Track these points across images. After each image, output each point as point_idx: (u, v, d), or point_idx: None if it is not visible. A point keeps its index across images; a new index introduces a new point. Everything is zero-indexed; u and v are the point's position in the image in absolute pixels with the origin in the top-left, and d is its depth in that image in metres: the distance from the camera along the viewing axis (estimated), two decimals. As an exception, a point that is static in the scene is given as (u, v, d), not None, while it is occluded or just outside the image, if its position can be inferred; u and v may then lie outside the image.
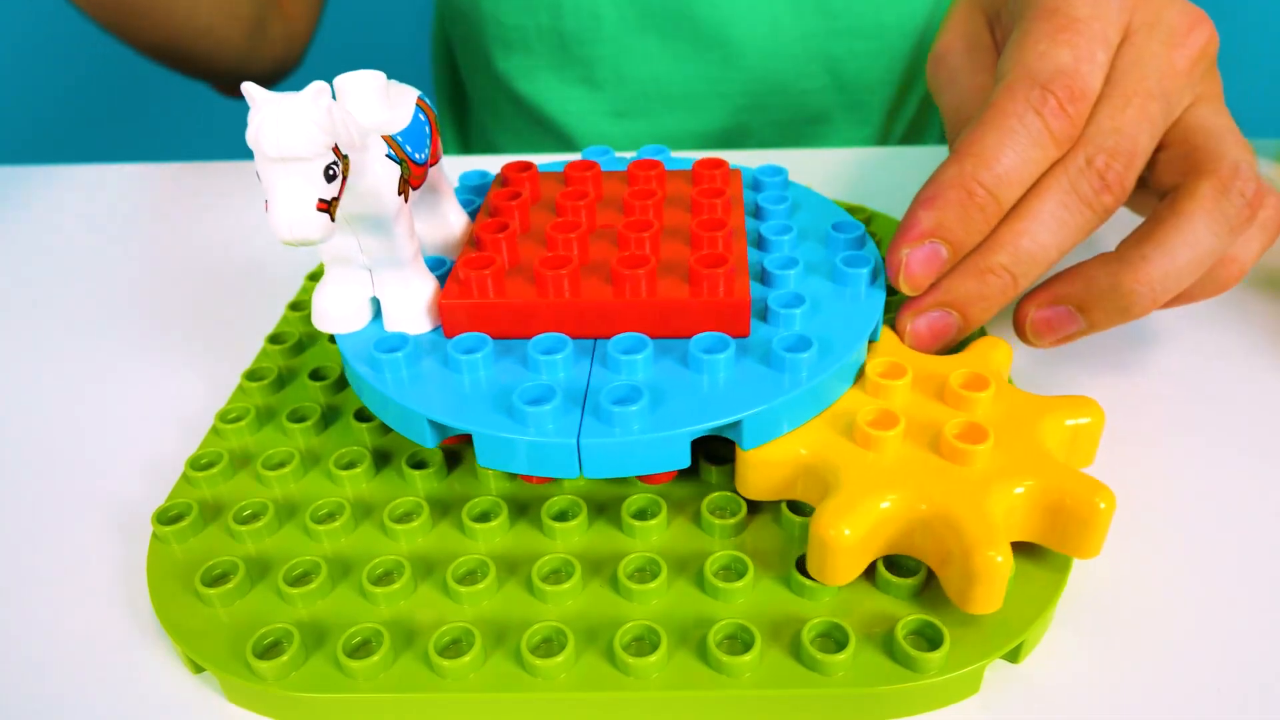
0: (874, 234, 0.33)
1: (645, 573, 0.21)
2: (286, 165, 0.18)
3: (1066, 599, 0.21)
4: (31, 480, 0.26)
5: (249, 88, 0.18)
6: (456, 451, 0.24)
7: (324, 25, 0.58)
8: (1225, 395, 0.27)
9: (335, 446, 0.25)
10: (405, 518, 0.22)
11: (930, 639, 0.19)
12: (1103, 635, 0.20)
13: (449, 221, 0.26)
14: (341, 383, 0.27)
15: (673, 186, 0.28)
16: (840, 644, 0.19)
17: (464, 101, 0.58)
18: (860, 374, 0.23)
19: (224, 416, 0.26)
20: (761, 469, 0.21)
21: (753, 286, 0.24)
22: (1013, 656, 0.20)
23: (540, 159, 0.36)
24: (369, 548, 0.22)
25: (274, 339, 0.29)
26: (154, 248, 0.38)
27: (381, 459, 0.24)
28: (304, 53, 0.55)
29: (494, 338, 0.23)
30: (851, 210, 0.35)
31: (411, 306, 0.23)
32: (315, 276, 0.32)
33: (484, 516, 0.22)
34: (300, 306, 0.30)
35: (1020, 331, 0.25)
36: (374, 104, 0.22)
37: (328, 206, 0.18)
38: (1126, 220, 0.28)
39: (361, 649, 0.19)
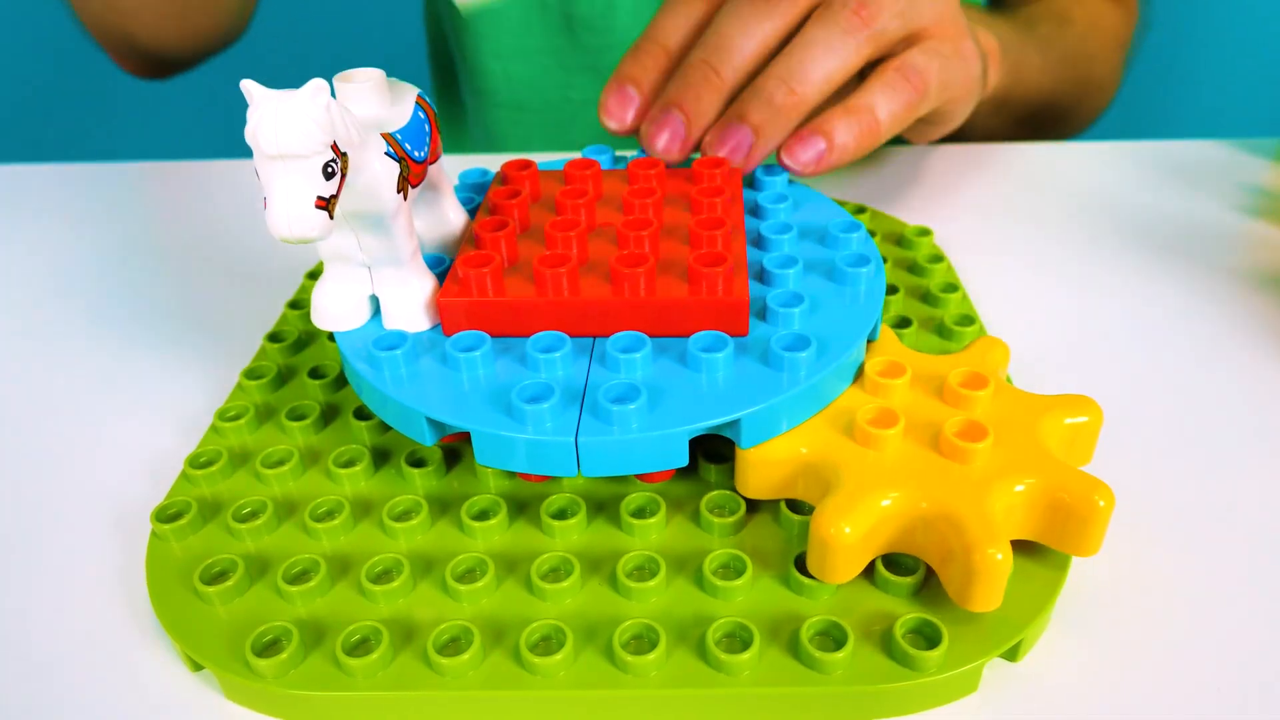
0: (873, 232, 0.33)
1: (644, 571, 0.21)
2: (285, 163, 0.18)
3: (1065, 598, 0.21)
4: (30, 478, 0.26)
5: (248, 85, 0.18)
6: (455, 449, 0.24)
7: (322, 24, 0.58)
8: (1225, 395, 0.27)
9: (334, 445, 0.25)
10: (404, 516, 0.22)
11: (929, 637, 0.19)
12: (1101, 634, 0.20)
13: (448, 219, 0.26)
14: (340, 381, 0.27)
15: (672, 185, 0.28)
16: (839, 642, 0.19)
17: (458, 99, 0.58)
18: (860, 373, 0.23)
19: (223, 415, 0.26)
20: (761, 468, 0.21)
21: (752, 285, 0.24)
22: (1011, 655, 0.20)
23: (540, 157, 0.36)
24: (368, 546, 0.22)
25: (273, 337, 0.29)
26: (153, 246, 0.38)
27: (380, 457, 0.24)
28: (245, 24, 0.53)
29: (493, 336, 0.23)
30: (850, 209, 0.35)
31: (410, 304, 0.23)
32: (314, 275, 0.32)
33: (483, 515, 0.22)
34: (299, 305, 0.30)
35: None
36: (373, 101, 0.22)
37: (326, 204, 0.18)
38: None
39: (360, 647, 0.19)
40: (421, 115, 0.23)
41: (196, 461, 0.24)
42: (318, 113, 0.18)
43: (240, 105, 0.19)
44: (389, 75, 0.23)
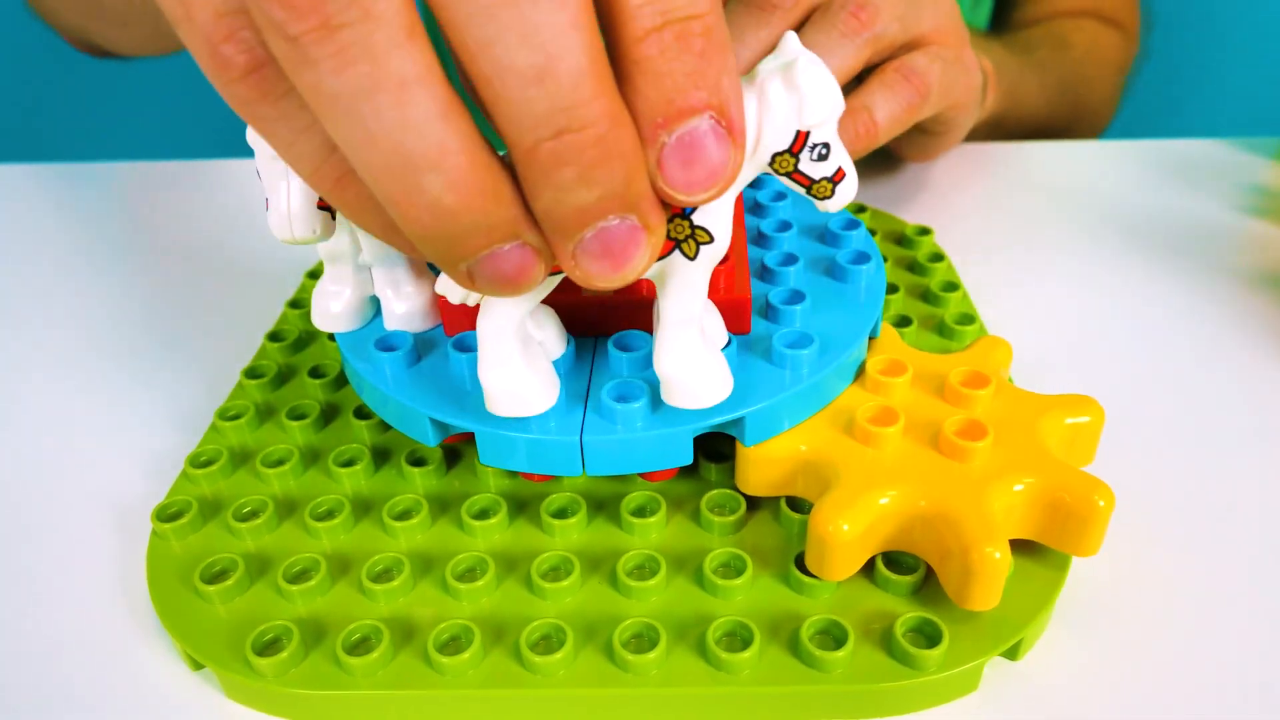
0: (873, 231, 0.33)
1: (644, 570, 0.21)
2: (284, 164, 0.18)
3: (1065, 597, 0.21)
4: (31, 477, 0.26)
5: None
6: (456, 449, 0.24)
7: None
8: (1225, 394, 0.27)
9: (334, 444, 0.25)
10: (404, 515, 0.22)
11: (929, 636, 0.19)
12: (1101, 633, 0.20)
13: None
14: (340, 380, 0.27)
15: None
16: (839, 641, 0.19)
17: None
18: (860, 371, 0.23)
19: (223, 414, 0.26)
20: (762, 465, 0.21)
21: (753, 283, 0.24)
22: (1012, 654, 0.20)
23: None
24: (368, 545, 0.22)
25: (273, 336, 0.29)
26: (153, 246, 0.38)
27: (381, 456, 0.24)
28: None
29: None
30: (850, 209, 0.35)
31: (411, 304, 0.23)
32: (315, 274, 0.32)
33: (483, 514, 0.22)
34: (300, 304, 0.30)
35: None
36: None
37: (328, 205, 0.18)
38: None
39: (361, 646, 0.19)
40: None
41: (197, 460, 0.24)
42: None
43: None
44: None
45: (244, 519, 0.22)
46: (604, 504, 0.23)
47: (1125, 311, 0.31)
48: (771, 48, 0.29)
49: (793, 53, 0.17)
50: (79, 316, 0.33)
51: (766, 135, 0.17)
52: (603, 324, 0.23)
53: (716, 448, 0.23)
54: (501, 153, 0.15)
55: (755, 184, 0.29)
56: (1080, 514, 0.19)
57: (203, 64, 0.15)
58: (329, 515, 0.22)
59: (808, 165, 0.17)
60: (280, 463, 0.24)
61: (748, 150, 0.17)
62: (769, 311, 0.23)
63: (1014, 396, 0.22)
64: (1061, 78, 0.50)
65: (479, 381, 0.22)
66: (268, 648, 0.19)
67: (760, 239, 0.26)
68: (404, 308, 0.23)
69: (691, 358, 0.19)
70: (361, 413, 0.25)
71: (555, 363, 0.22)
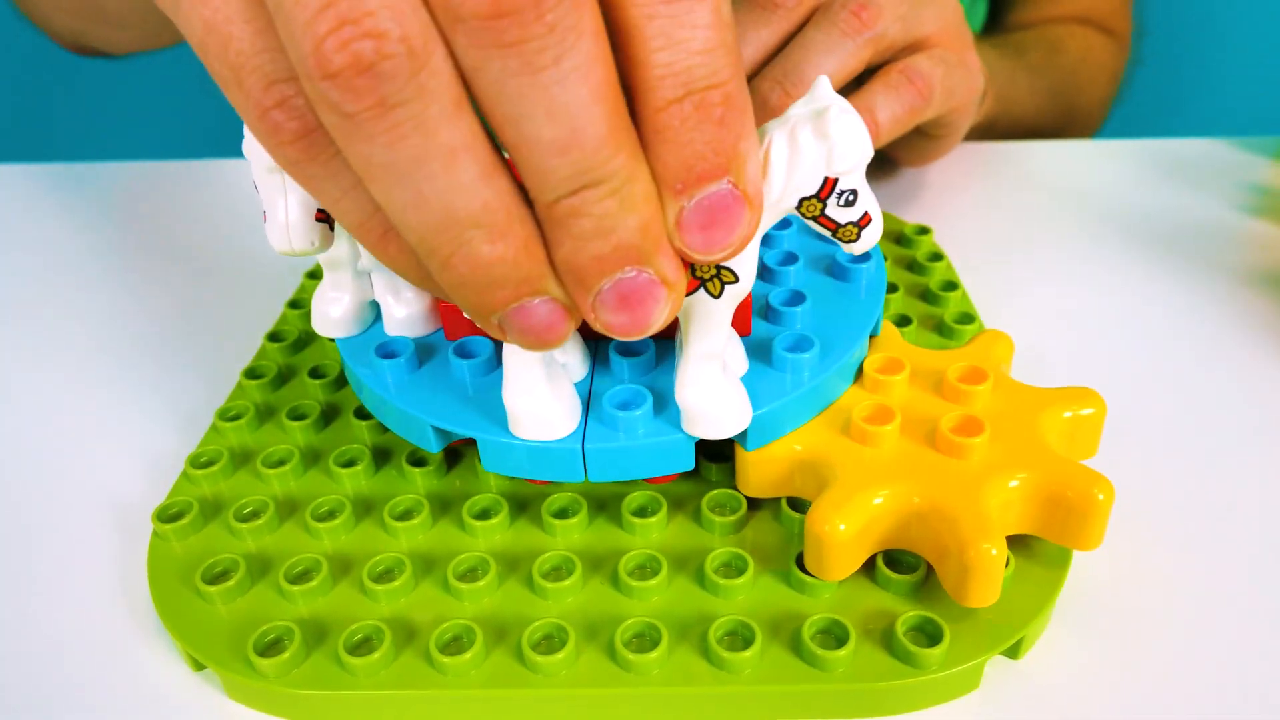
0: None
1: (646, 570, 0.21)
2: (284, 176, 0.18)
3: (1066, 595, 0.21)
4: (31, 477, 0.26)
5: None
6: (456, 449, 0.24)
7: None
8: (1225, 393, 0.27)
9: (335, 444, 0.25)
10: (405, 515, 0.22)
11: (930, 635, 0.19)
12: (1103, 631, 0.20)
13: None
14: (341, 380, 0.27)
15: None
16: (841, 640, 0.19)
17: None
18: (858, 370, 0.23)
19: (224, 414, 0.26)
20: (761, 465, 0.21)
21: (753, 284, 0.24)
22: (1013, 653, 0.20)
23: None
24: (369, 545, 0.22)
25: (273, 337, 0.29)
26: (153, 246, 0.38)
27: (381, 456, 0.24)
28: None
29: (495, 341, 0.23)
30: (916, 229, 0.34)
31: (411, 309, 0.23)
32: (314, 274, 0.32)
33: (484, 514, 0.22)
34: (299, 304, 0.30)
35: None
36: None
37: (326, 216, 0.18)
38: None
39: (362, 646, 0.19)
40: None
41: (197, 461, 0.24)
42: None
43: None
44: None
45: (245, 519, 0.22)
46: (605, 504, 0.23)
47: (1125, 311, 0.31)
48: (774, 48, 0.29)
49: (825, 99, 0.17)
50: (79, 317, 0.33)
51: (795, 180, 0.17)
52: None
53: (716, 448, 0.23)
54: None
55: None
56: (1080, 508, 0.19)
57: (251, 126, 0.15)
58: (330, 516, 0.22)
59: (835, 210, 0.18)
60: (281, 463, 0.24)
61: (776, 193, 0.17)
62: (769, 313, 0.23)
63: (1013, 391, 0.22)
64: (1053, 82, 0.50)
65: (480, 387, 0.22)
66: (269, 648, 0.19)
67: (760, 238, 0.26)
68: (404, 313, 0.23)
69: (713, 390, 0.19)
70: (362, 413, 0.25)
71: None
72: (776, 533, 0.22)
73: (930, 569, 0.20)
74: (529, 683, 0.19)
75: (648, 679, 0.19)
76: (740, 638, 0.19)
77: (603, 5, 0.14)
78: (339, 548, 0.22)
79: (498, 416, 0.21)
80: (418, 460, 0.24)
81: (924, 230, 0.33)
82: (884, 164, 0.41)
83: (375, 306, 0.24)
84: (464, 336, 0.23)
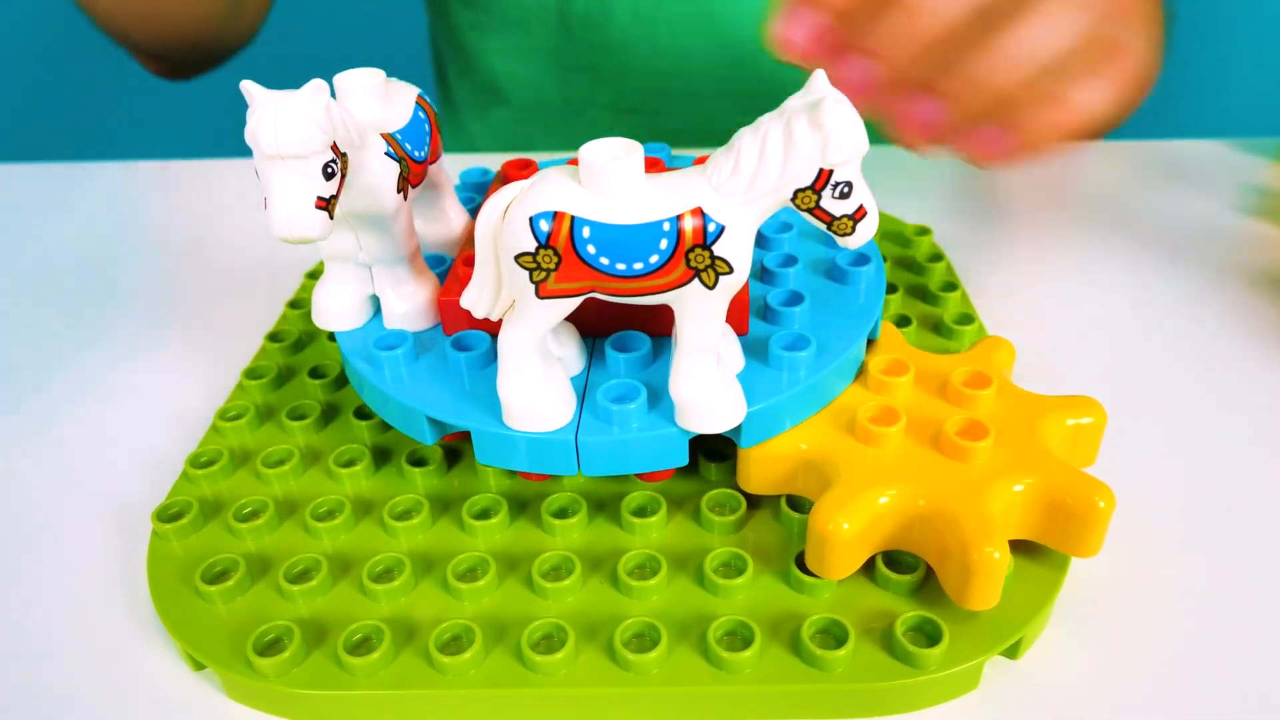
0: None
1: (645, 569, 0.21)
2: (285, 163, 0.18)
3: (1065, 596, 0.21)
4: (31, 478, 0.26)
5: (247, 85, 0.18)
6: (456, 449, 0.24)
7: (324, 24, 0.58)
8: (1225, 394, 0.27)
9: (335, 444, 0.25)
10: (405, 515, 0.22)
11: (929, 635, 0.19)
12: (1102, 631, 0.20)
13: (449, 219, 0.26)
14: (341, 380, 0.27)
15: None
16: (840, 640, 0.19)
17: (460, 99, 0.58)
18: (862, 371, 0.23)
19: (224, 414, 0.26)
20: (762, 463, 0.21)
21: (752, 284, 0.24)
22: (1012, 653, 0.20)
23: (541, 157, 0.36)
24: (369, 545, 0.22)
25: (273, 337, 0.29)
26: (152, 246, 0.38)
27: (381, 456, 0.24)
28: (249, 26, 0.53)
29: (493, 335, 0.23)
30: (917, 230, 0.34)
31: (411, 304, 0.23)
32: (314, 275, 0.32)
33: (484, 514, 0.22)
34: (299, 304, 0.30)
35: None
36: (372, 102, 0.22)
37: (326, 204, 0.18)
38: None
39: (362, 646, 0.19)
40: (421, 115, 0.23)
41: (197, 461, 0.24)
42: (317, 113, 0.18)
43: (240, 104, 0.19)
44: (391, 75, 0.23)
45: (245, 519, 0.22)
46: (605, 504, 0.23)
47: (1125, 311, 0.31)
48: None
49: (820, 91, 0.17)
50: (77, 317, 0.33)
51: (790, 171, 0.17)
52: (601, 325, 0.23)
53: (716, 447, 0.23)
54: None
55: None
56: (1080, 515, 0.19)
57: None
58: (330, 515, 0.22)
59: (830, 202, 0.18)
60: (281, 463, 0.24)
61: (771, 184, 0.17)
62: (767, 313, 0.23)
63: (1016, 397, 0.22)
64: None
65: (477, 380, 0.22)
66: (269, 648, 0.19)
67: (760, 240, 0.26)
68: (404, 307, 0.23)
69: (707, 383, 0.19)
70: (361, 413, 0.25)
71: None
72: (776, 532, 0.22)
73: (930, 569, 0.20)
74: (528, 682, 0.19)
75: (647, 679, 0.19)
76: (740, 637, 0.19)
77: None
78: (339, 547, 0.22)
79: (493, 409, 0.21)
80: (417, 460, 0.24)
81: (924, 231, 0.33)
82: (883, 159, 0.41)
83: (376, 301, 0.24)
84: (462, 330, 0.23)
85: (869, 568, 0.20)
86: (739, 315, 0.22)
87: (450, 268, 0.24)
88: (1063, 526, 0.20)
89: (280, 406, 0.26)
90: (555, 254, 0.18)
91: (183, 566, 0.22)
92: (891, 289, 0.30)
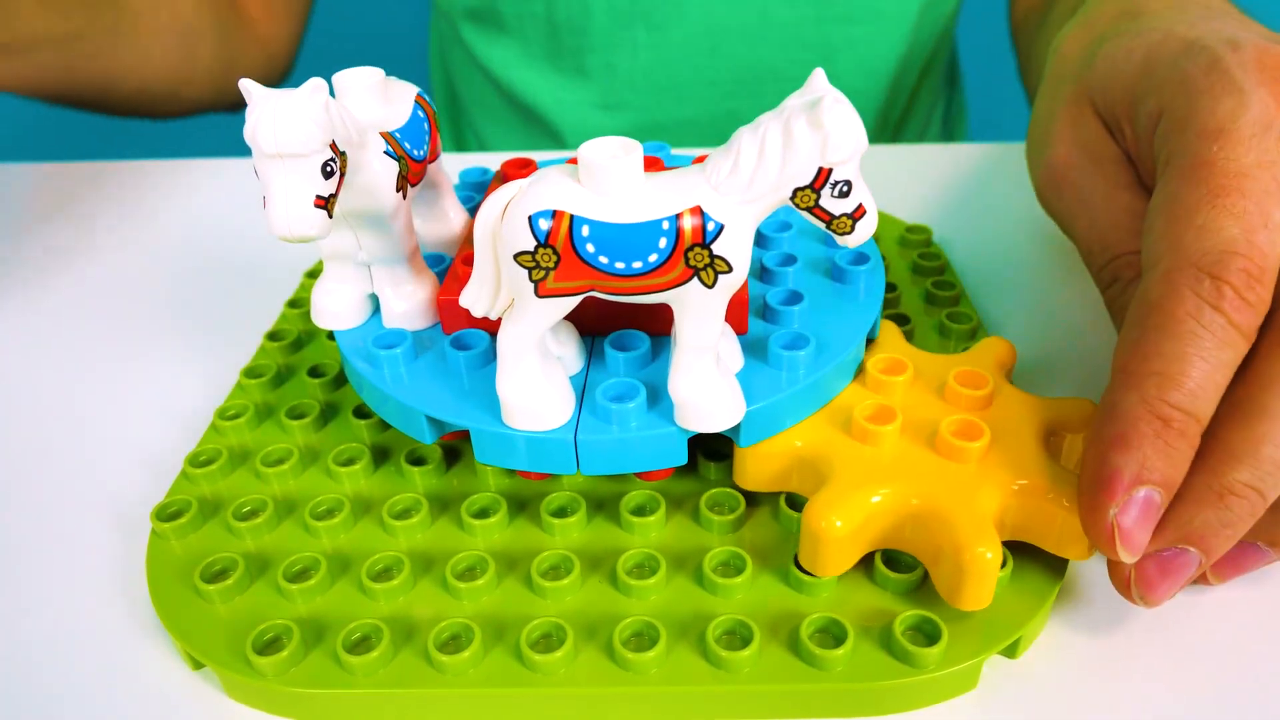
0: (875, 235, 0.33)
1: (644, 569, 0.21)
2: (284, 162, 0.18)
3: (1064, 595, 0.21)
4: (30, 477, 0.26)
5: (246, 84, 0.18)
6: (455, 448, 0.24)
7: (324, 24, 0.58)
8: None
9: (334, 443, 0.25)
10: (404, 514, 0.22)
11: (928, 635, 0.19)
12: (1100, 630, 0.20)
13: (448, 218, 0.26)
14: (340, 379, 0.27)
15: None
16: (839, 639, 0.19)
17: (460, 100, 0.58)
18: (860, 370, 0.23)
19: (223, 414, 0.26)
20: (759, 460, 0.21)
21: (751, 283, 0.24)
22: (1010, 652, 0.20)
23: (540, 156, 0.36)
24: (368, 544, 0.22)
25: (272, 336, 0.29)
26: (152, 245, 0.38)
27: (380, 455, 0.24)
28: (289, 68, 0.55)
29: (492, 334, 0.23)
30: (915, 230, 0.34)
31: (410, 303, 0.23)
32: (314, 274, 0.32)
33: (483, 513, 0.22)
34: (299, 304, 0.30)
35: (1126, 593, 0.20)
36: (372, 101, 0.22)
37: (325, 203, 0.18)
38: None
39: (361, 645, 0.20)
40: (421, 114, 0.23)
41: (197, 460, 0.24)
42: (316, 112, 0.18)
43: (240, 105, 0.19)
44: (391, 76, 0.24)
45: (244, 518, 0.22)
46: (604, 503, 0.23)
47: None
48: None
49: (820, 89, 0.17)
50: (76, 316, 0.33)
51: (789, 170, 0.17)
52: (600, 324, 0.23)
53: (715, 446, 0.23)
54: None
55: None
56: (1073, 518, 0.19)
57: None
58: (329, 514, 0.22)
59: (829, 201, 0.18)
60: (280, 462, 0.24)
61: (771, 182, 0.17)
62: (766, 312, 0.23)
63: (1014, 399, 0.22)
64: None
65: (476, 379, 0.22)
66: (268, 647, 0.19)
67: (760, 240, 0.26)
68: (403, 306, 0.23)
69: (706, 383, 0.19)
70: (361, 412, 0.25)
71: None
72: (775, 531, 0.22)
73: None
74: (527, 681, 0.19)
75: (646, 678, 0.19)
76: (739, 637, 0.19)
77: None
78: (338, 546, 0.22)
79: (492, 408, 0.21)
80: (416, 459, 0.24)
81: (922, 230, 0.33)
82: (883, 159, 0.41)
83: (375, 300, 0.24)
84: (461, 329, 0.23)
85: (868, 567, 0.20)
86: (738, 314, 0.22)
87: (449, 267, 0.24)
88: (1057, 530, 0.20)
89: (279, 405, 0.26)
90: (554, 253, 0.18)
91: (182, 566, 0.22)
92: (891, 288, 0.30)
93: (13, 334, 0.32)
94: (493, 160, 0.43)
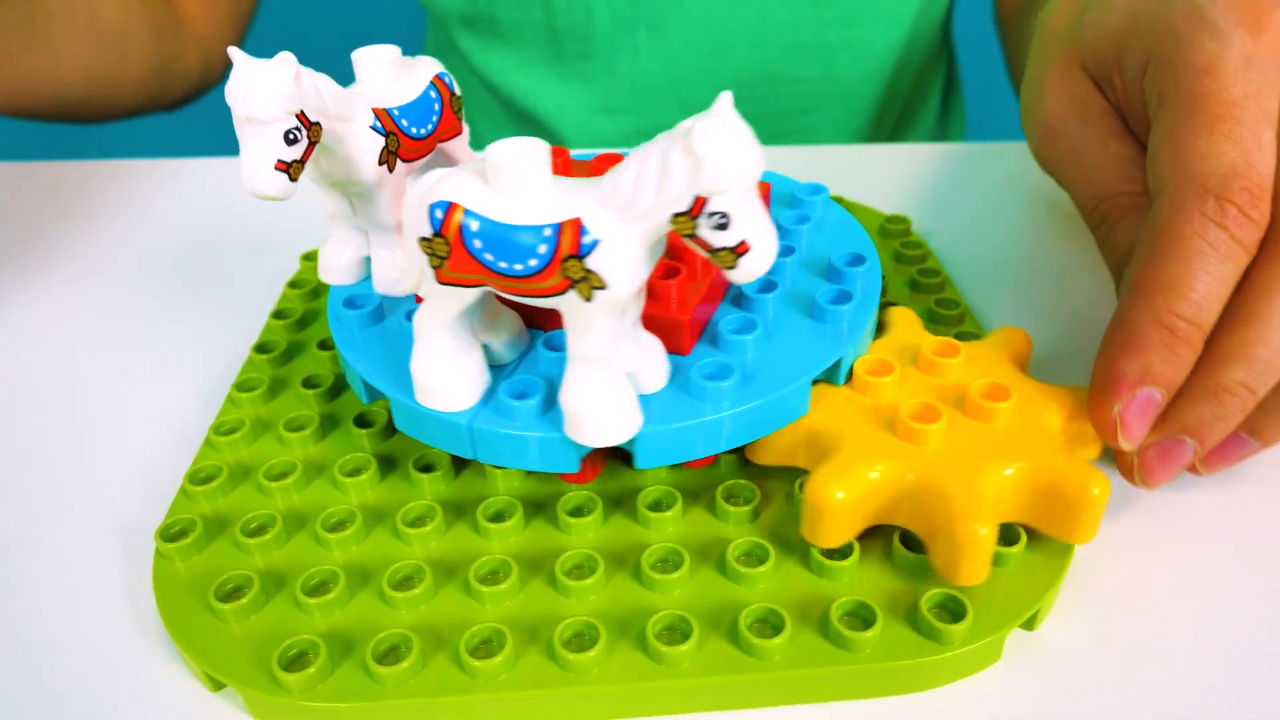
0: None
1: (668, 563, 0.21)
2: (251, 125, 0.19)
3: (1077, 563, 0.21)
4: (26, 490, 0.25)
5: (234, 51, 0.19)
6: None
7: (327, 23, 0.56)
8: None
9: (337, 454, 0.24)
10: (419, 522, 0.22)
11: (953, 611, 0.19)
12: (1114, 598, 0.21)
13: None
14: (336, 390, 0.27)
15: None
16: (867, 621, 0.19)
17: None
18: (850, 375, 0.23)
19: (218, 429, 0.25)
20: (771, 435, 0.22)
21: (722, 308, 0.24)
22: (1029, 624, 0.20)
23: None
24: (384, 554, 0.22)
25: (260, 348, 0.28)
26: (152, 245, 0.36)
27: (386, 464, 0.24)
28: (227, 69, 0.53)
29: None
30: (894, 220, 0.33)
31: (395, 271, 0.24)
32: (296, 284, 0.32)
33: (499, 516, 0.22)
34: (284, 315, 0.30)
35: (1129, 477, 0.22)
36: (384, 77, 0.23)
37: (287, 168, 0.19)
38: None
39: (390, 655, 0.19)
40: (434, 94, 0.23)
41: (196, 477, 0.23)
42: (282, 83, 0.19)
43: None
44: (416, 56, 0.24)
45: (253, 534, 0.22)
46: (620, 500, 0.23)
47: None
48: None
49: (712, 114, 0.17)
50: (78, 315, 0.32)
51: (664, 195, 0.17)
52: (541, 320, 0.23)
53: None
54: None
55: (790, 203, 0.28)
56: (1074, 501, 0.20)
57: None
58: (341, 526, 0.22)
59: (706, 232, 0.17)
60: (283, 476, 0.23)
61: (646, 206, 0.17)
62: (716, 338, 0.22)
63: (1022, 384, 0.22)
64: None
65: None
66: (293, 662, 0.19)
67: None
68: (387, 272, 0.24)
69: (594, 395, 0.19)
70: (362, 421, 0.25)
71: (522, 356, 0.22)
72: (792, 518, 0.22)
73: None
74: (562, 681, 0.19)
75: (680, 671, 0.19)
76: (769, 624, 0.19)
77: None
78: (352, 558, 0.22)
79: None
80: (425, 466, 0.24)
81: (902, 220, 0.33)
82: (882, 159, 0.42)
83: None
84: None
85: (886, 550, 0.21)
86: (677, 336, 0.22)
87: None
88: (1059, 513, 0.20)
89: (275, 419, 0.25)
90: (446, 243, 0.18)
91: (191, 585, 0.21)
92: (887, 298, 0.30)
93: (10, 333, 0.31)
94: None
